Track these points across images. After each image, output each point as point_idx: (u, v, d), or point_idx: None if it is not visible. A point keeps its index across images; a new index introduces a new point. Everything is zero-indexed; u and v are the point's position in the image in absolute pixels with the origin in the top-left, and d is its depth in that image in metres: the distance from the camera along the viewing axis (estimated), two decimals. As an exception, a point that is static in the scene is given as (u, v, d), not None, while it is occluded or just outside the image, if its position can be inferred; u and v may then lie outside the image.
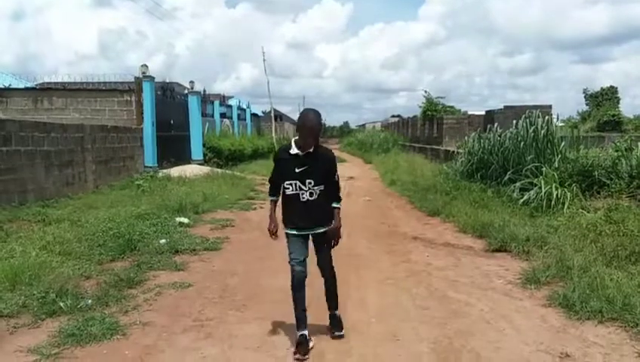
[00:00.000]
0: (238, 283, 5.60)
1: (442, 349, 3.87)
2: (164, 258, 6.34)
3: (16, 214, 8.03)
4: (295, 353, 3.71)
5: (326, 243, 3.97)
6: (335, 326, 4.09)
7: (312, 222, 3.87)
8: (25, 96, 15.22)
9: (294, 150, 3.78)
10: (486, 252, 6.87)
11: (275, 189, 4.02)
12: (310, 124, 3.71)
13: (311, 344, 3.82)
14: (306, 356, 3.69)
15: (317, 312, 4.18)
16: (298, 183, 3.78)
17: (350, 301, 4.94)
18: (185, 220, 8.69)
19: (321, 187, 3.82)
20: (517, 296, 5.05)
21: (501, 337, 4.08)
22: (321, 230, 3.90)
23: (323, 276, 4.08)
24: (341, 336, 4.03)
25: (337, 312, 4.16)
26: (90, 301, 4.67)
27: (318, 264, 4.01)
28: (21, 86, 16.89)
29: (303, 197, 3.80)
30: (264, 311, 4.62)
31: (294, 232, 3.87)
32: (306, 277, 3.89)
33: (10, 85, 16.58)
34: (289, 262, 3.90)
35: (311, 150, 3.76)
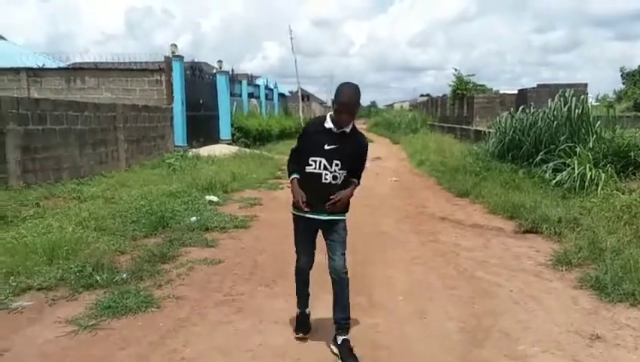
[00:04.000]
0: (267, 260, 5.68)
1: (471, 328, 3.87)
2: (195, 235, 6.47)
3: (52, 191, 8.28)
4: (297, 332, 3.67)
5: (340, 242, 3.45)
6: (349, 359, 3.33)
7: (327, 207, 3.38)
8: (58, 75, 15.52)
9: (329, 124, 3.37)
10: (516, 233, 6.79)
11: (296, 165, 3.52)
12: (347, 99, 3.29)
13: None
14: (307, 335, 3.66)
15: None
16: (324, 162, 3.35)
17: (377, 279, 4.98)
18: (214, 198, 8.83)
19: (346, 172, 3.41)
20: (547, 278, 5.00)
21: (530, 317, 4.05)
22: (336, 218, 3.43)
23: (335, 281, 3.45)
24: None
25: (348, 337, 3.44)
26: (125, 275, 4.81)
27: (330, 266, 3.45)
28: (54, 66, 17.21)
29: (326, 179, 3.35)
30: (292, 287, 4.62)
31: (308, 215, 3.41)
32: (310, 268, 3.59)
33: (43, 65, 16.90)
34: (296, 252, 3.59)
35: (347, 130, 3.36)
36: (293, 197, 3.45)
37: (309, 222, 3.45)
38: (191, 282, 4.89)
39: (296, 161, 3.52)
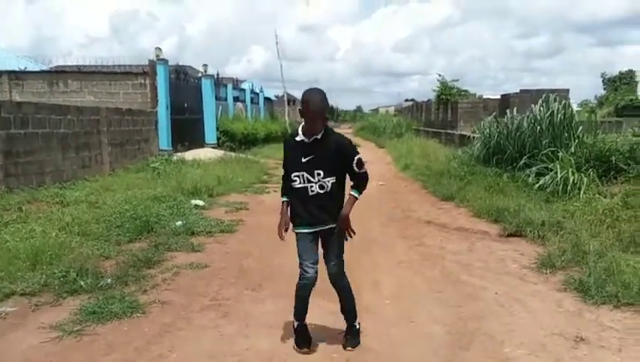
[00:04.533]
0: (253, 264, 5.66)
1: (456, 331, 3.90)
2: (181, 239, 6.42)
3: (35, 196, 8.17)
4: (298, 345, 3.56)
5: (337, 244, 3.46)
6: (349, 340, 3.60)
7: (323, 218, 3.37)
8: (40, 79, 15.34)
9: (300, 136, 3.31)
10: (501, 236, 6.86)
11: (285, 183, 3.51)
12: (314, 107, 3.21)
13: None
14: (309, 348, 3.55)
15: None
16: (305, 175, 3.31)
17: (364, 283, 4.98)
18: (200, 203, 8.78)
19: (333, 179, 3.33)
20: (532, 281, 5.06)
21: (515, 320, 4.09)
22: (334, 225, 3.40)
23: (336, 287, 3.55)
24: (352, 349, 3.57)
25: (357, 324, 3.67)
26: (109, 280, 4.77)
27: (328, 273, 3.48)
28: (36, 69, 17.01)
29: (312, 191, 3.32)
30: (279, 290, 4.68)
31: (304, 230, 3.40)
32: (315, 282, 3.48)
33: (25, 68, 16.69)
34: (300, 266, 3.47)
35: (318, 136, 3.28)
36: (280, 221, 3.50)
37: (310, 233, 3.44)
38: (177, 287, 4.86)
39: (285, 180, 3.51)
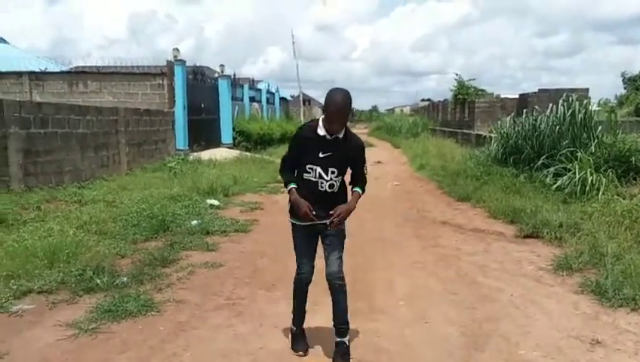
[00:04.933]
0: (267, 264, 5.68)
1: (471, 333, 3.87)
2: (196, 238, 6.47)
3: (54, 195, 8.29)
4: (294, 348, 3.54)
5: (339, 243, 3.38)
6: (341, 357, 3.36)
7: (324, 216, 3.28)
8: (60, 79, 15.55)
9: (322, 131, 3.23)
10: (517, 238, 6.79)
11: (291, 174, 3.37)
12: (337, 108, 3.15)
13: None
14: (305, 352, 3.52)
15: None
16: (319, 170, 3.26)
17: (378, 284, 4.98)
18: (215, 202, 8.84)
19: (341, 178, 3.33)
20: (548, 283, 4.99)
21: (531, 322, 4.05)
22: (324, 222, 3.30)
23: (333, 287, 3.37)
24: None
25: (347, 340, 3.41)
26: (125, 279, 4.82)
27: (326, 271, 3.36)
28: (56, 70, 17.26)
29: (322, 187, 3.28)
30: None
31: (302, 223, 3.34)
32: (310, 281, 3.47)
33: (46, 69, 16.94)
34: (297, 261, 3.46)
35: (340, 135, 3.25)
36: (298, 208, 3.27)
37: (309, 228, 3.36)
38: (191, 286, 4.90)
39: (291, 169, 3.38)
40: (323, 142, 3.25)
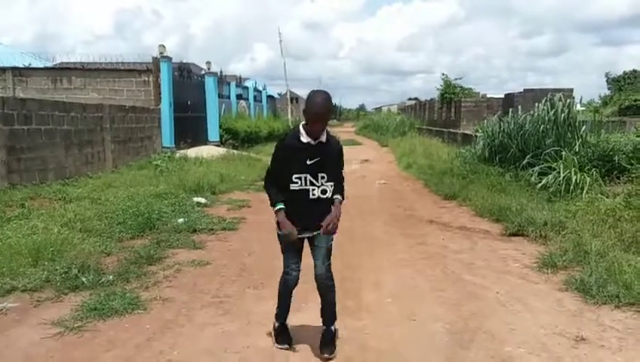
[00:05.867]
0: (255, 262, 5.67)
1: (457, 330, 3.89)
2: (183, 236, 6.44)
3: (38, 192, 8.19)
4: (279, 342, 3.58)
5: (327, 247, 3.39)
6: (326, 346, 3.46)
7: (318, 224, 3.27)
8: (44, 75, 15.38)
9: (305, 137, 3.21)
10: (502, 236, 6.85)
11: (277, 190, 3.28)
12: (318, 109, 3.15)
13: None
14: (289, 345, 3.56)
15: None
16: (309, 177, 3.22)
17: (365, 282, 4.99)
18: (202, 200, 8.80)
19: (332, 183, 3.30)
20: (533, 280, 5.05)
21: (516, 319, 4.09)
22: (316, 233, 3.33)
23: (322, 288, 3.44)
24: (330, 359, 3.42)
25: (334, 327, 3.53)
26: (111, 277, 4.78)
27: (316, 273, 3.42)
28: (40, 65, 17.04)
29: (314, 194, 3.24)
30: (281, 289, 4.69)
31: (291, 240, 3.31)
32: (297, 283, 3.48)
33: (29, 65, 16.73)
34: (284, 265, 3.46)
35: (323, 139, 3.24)
36: (286, 235, 3.25)
37: (298, 239, 3.35)
38: (178, 284, 4.87)
39: (277, 184, 3.30)
40: (309, 148, 3.22)
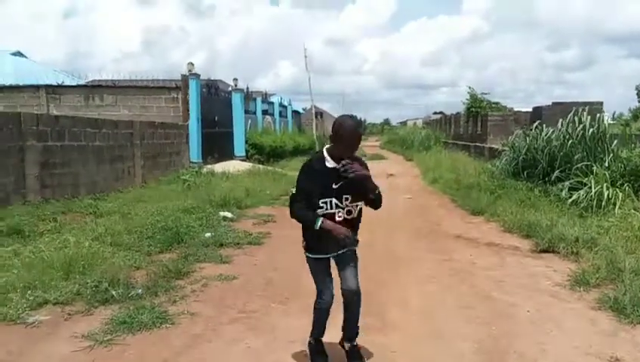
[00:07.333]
0: (281, 277, 5.67)
1: (487, 349, 3.82)
2: (210, 251, 6.50)
3: (69, 206, 8.39)
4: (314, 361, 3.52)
5: (355, 265, 3.40)
6: (357, 360, 3.48)
7: (345, 244, 3.27)
8: (77, 93, 15.79)
9: (330, 163, 3.21)
10: (532, 252, 6.72)
11: (311, 211, 3.24)
12: (350, 136, 3.16)
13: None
14: None
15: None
16: (334, 201, 3.23)
17: (391, 299, 4.94)
18: (229, 215, 8.87)
19: (361, 203, 3.31)
20: (565, 298, 4.93)
21: (548, 339, 3.99)
22: (353, 248, 3.39)
23: (351, 305, 3.39)
24: None
25: (356, 343, 3.53)
26: (140, 290, 4.84)
27: (342, 287, 3.37)
28: (73, 83, 17.52)
29: (340, 217, 3.25)
30: (306, 304, 4.61)
31: (322, 256, 3.38)
32: (332, 305, 3.45)
33: (62, 82, 17.21)
34: (317, 288, 3.45)
35: None
36: (339, 233, 3.19)
37: (324, 260, 3.40)
38: (205, 298, 4.90)
39: (308, 207, 3.26)
40: (333, 173, 3.20)
